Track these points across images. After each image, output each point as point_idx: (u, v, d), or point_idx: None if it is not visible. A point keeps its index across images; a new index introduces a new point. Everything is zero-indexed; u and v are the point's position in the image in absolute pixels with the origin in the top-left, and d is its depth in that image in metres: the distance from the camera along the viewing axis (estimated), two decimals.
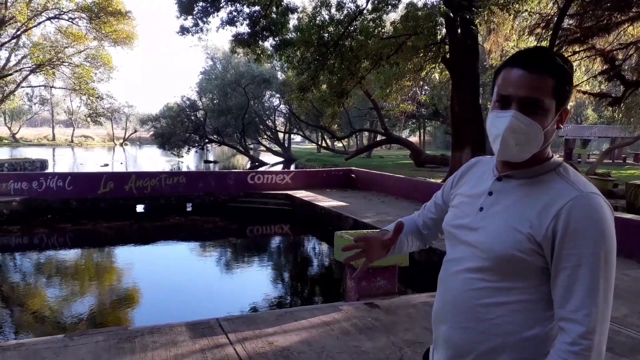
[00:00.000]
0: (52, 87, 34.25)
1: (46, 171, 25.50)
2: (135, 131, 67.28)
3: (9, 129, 68.49)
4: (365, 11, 13.91)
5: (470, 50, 12.74)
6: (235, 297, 7.17)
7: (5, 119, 68.45)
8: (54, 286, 7.45)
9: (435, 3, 14.37)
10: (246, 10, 13.84)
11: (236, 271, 8.87)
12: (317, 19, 14.33)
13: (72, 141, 69.03)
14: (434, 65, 15.99)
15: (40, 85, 37.67)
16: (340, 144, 46.74)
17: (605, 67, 13.19)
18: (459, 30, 12.78)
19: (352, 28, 13.78)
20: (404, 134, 42.87)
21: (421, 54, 14.46)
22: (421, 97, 26.21)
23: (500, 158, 1.16)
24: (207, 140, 33.79)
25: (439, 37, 13.60)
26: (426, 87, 25.59)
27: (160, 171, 16.89)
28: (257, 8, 13.79)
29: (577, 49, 13.01)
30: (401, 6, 14.53)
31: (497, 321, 1.10)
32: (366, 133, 43.00)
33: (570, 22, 13.00)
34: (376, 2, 13.73)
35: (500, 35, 15.99)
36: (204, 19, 13.77)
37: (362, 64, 14.19)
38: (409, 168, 23.41)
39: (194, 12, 13.54)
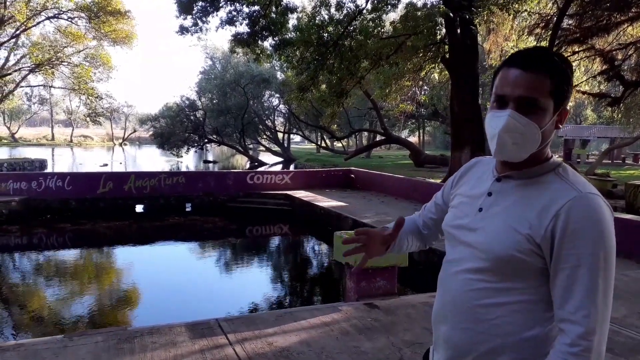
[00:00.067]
0: (51, 86, 34.24)
1: (45, 171, 25.48)
2: (135, 131, 67.22)
3: (8, 128, 68.46)
4: (364, 11, 13.91)
5: (469, 50, 12.75)
6: (235, 298, 7.17)
7: (4, 119, 68.43)
8: (53, 286, 7.45)
9: (434, 3, 14.38)
10: (245, 10, 13.84)
11: (236, 271, 8.87)
12: (317, 18, 14.33)
13: (71, 141, 69.01)
14: (433, 65, 15.99)
15: (39, 85, 37.66)
16: (339, 144, 46.74)
17: (604, 67, 13.19)
18: (459, 30, 12.79)
19: (351, 28, 13.78)
20: (404, 134, 42.87)
21: (421, 54, 14.45)
22: (421, 97, 26.21)
23: (497, 158, 1.16)
24: (206, 140, 33.78)
25: (439, 37, 13.60)
26: (426, 87, 25.58)
27: (160, 171, 16.89)
28: (256, 8, 13.78)
29: (577, 49, 13.01)
30: (401, 6, 14.54)
31: (496, 322, 1.10)
32: (365, 133, 43.02)
33: (570, 22, 13.00)
34: (376, 2, 13.73)
35: (500, 35, 15.99)
36: (204, 19, 13.77)
37: (361, 63, 14.18)
38: (409, 168, 23.41)
39: (194, 12, 13.53)
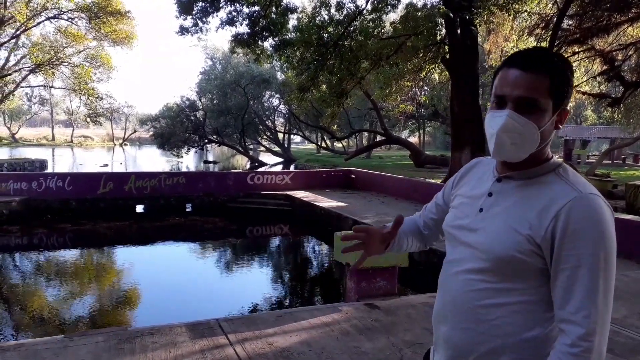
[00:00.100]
0: (52, 87, 34.23)
1: (46, 171, 25.48)
2: (135, 131, 67.26)
3: (9, 129, 68.47)
4: (364, 11, 13.91)
5: (469, 51, 12.75)
6: (235, 298, 7.17)
7: (4, 119, 68.44)
8: (53, 286, 7.45)
9: (434, 3, 14.38)
10: (246, 10, 13.84)
11: (236, 272, 8.87)
12: (317, 19, 14.33)
13: (71, 141, 69.01)
14: (433, 65, 16.00)
15: (39, 85, 37.65)
16: (339, 145, 46.75)
17: (604, 67, 13.19)
18: (459, 31, 12.79)
19: (351, 28, 13.78)
20: (404, 134, 42.89)
21: (421, 55, 14.46)
22: (421, 98, 26.21)
23: (496, 158, 1.17)
24: (206, 141, 33.79)
25: (439, 37, 13.60)
26: (426, 88, 25.59)
27: (160, 171, 16.89)
28: (256, 8, 13.79)
29: (577, 50, 13.01)
30: (401, 6, 14.55)
31: (497, 322, 1.10)
32: (366, 133, 43.01)
33: (570, 22, 13.01)
34: (376, 2, 13.73)
35: (500, 36, 15.99)
36: (204, 19, 13.77)
37: (361, 64, 14.18)
38: (409, 168, 23.42)
39: (194, 12, 13.54)
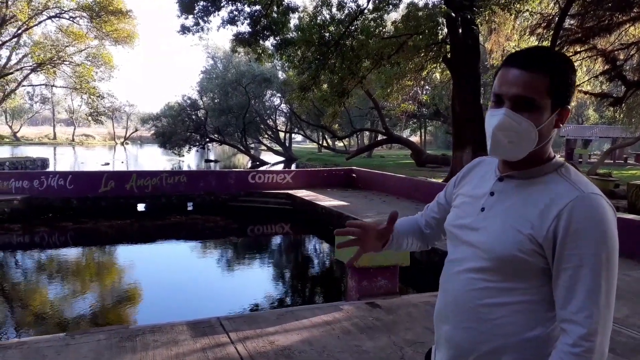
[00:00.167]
0: (53, 86, 34.33)
1: (47, 170, 25.52)
2: (136, 130, 67.34)
3: (10, 127, 68.63)
4: (366, 11, 13.91)
5: (471, 50, 12.75)
6: (236, 296, 7.18)
7: (6, 118, 68.61)
8: (55, 285, 7.47)
9: (436, 3, 14.37)
10: (247, 9, 13.85)
11: (237, 270, 8.88)
12: (318, 18, 14.33)
13: (73, 140, 69.14)
14: (435, 65, 16.00)
15: (41, 84, 37.80)
16: (341, 144, 46.77)
17: (606, 67, 13.18)
18: (460, 30, 12.79)
19: (353, 27, 13.78)
20: (405, 133, 42.91)
21: (422, 54, 14.46)
22: (422, 97, 26.22)
23: (492, 156, 1.17)
24: (208, 140, 33.82)
25: (440, 37, 13.60)
26: (427, 87, 25.60)
27: (161, 170, 16.89)
28: (257, 7, 13.80)
29: (579, 49, 13.01)
30: (402, 6, 14.55)
31: (499, 322, 1.10)
32: (367, 133, 43.01)
33: (572, 22, 13.00)
34: (377, 1, 13.73)
35: (502, 35, 15.98)
36: (205, 18, 13.79)
37: (363, 63, 14.19)
38: (410, 168, 23.40)
39: (195, 11, 13.55)
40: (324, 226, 10.83)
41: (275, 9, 13.80)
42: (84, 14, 24.26)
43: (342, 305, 4.40)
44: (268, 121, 40.12)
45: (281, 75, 33.71)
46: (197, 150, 37.08)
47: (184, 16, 13.68)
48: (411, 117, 32.57)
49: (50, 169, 27.48)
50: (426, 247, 1.51)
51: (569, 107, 1.12)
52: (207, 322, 3.86)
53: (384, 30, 14.01)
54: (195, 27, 13.91)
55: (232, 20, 13.84)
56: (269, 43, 14.65)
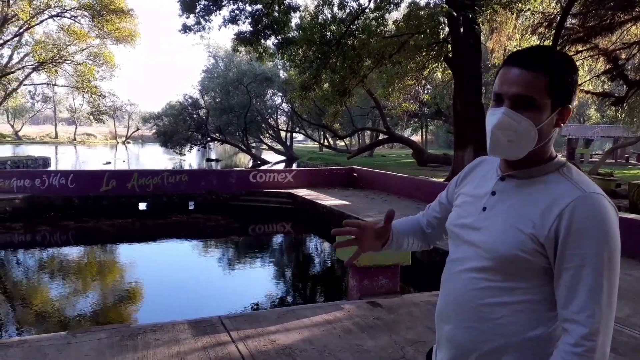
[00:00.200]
0: (55, 85, 34.35)
1: (49, 169, 25.56)
2: (138, 129, 67.38)
3: (12, 126, 68.75)
4: (367, 10, 13.90)
5: (472, 50, 12.74)
6: (238, 295, 7.18)
7: (8, 117, 68.72)
8: (56, 283, 7.48)
9: (437, 2, 14.35)
10: (248, 8, 13.84)
11: (238, 269, 8.88)
12: (320, 17, 14.32)
13: (74, 139, 69.21)
14: (436, 64, 15.97)
15: (42, 83, 37.82)
16: (342, 143, 46.74)
17: (608, 66, 13.16)
18: (462, 30, 12.77)
19: (354, 27, 13.77)
20: (406, 133, 42.85)
21: (424, 53, 14.44)
22: (423, 96, 26.20)
23: (492, 154, 1.16)
24: (209, 139, 33.84)
25: (442, 36, 13.57)
26: (428, 86, 25.59)
27: (163, 169, 16.91)
28: (259, 6, 13.79)
29: (580, 49, 12.99)
30: (404, 5, 14.52)
31: (500, 321, 1.10)
32: (368, 132, 43.01)
33: (573, 21, 12.98)
34: (378, 0, 13.71)
35: (503, 35, 15.96)
36: (206, 17, 13.79)
37: (364, 62, 14.17)
38: (411, 167, 23.39)
39: (196, 11, 13.56)
40: (325, 225, 10.83)
41: (276, 8, 13.79)
42: (86, 13, 24.27)
43: (343, 305, 4.40)
44: (269, 120, 40.12)
45: (282, 74, 33.71)
46: (199, 150, 37.10)
47: (185, 15, 13.69)
48: (412, 117, 32.54)
49: (52, 167, 27.51)
50: (427, 247, 1.51)
51: (571, 106, 1.11)
52: (208, 321, 3.87)
53: (385, 29, 13.99)
54: (196, 26, 13.91)
55: (233, 20, 13.84)
56: (271, 42, 14.66)
